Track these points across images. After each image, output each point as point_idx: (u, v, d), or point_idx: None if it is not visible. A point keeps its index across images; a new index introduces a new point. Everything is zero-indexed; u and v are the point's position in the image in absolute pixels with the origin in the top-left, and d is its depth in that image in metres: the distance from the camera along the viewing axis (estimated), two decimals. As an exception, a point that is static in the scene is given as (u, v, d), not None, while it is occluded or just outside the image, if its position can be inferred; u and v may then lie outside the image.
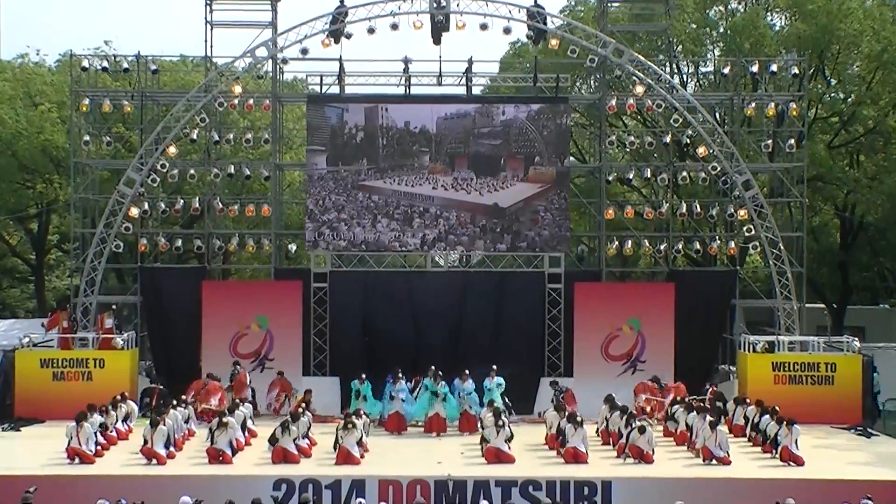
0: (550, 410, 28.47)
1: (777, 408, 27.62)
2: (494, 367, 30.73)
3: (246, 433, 27.64)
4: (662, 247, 36.41)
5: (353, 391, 30.77)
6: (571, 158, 38.82)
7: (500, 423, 26.01)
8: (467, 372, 30.62)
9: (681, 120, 35.02)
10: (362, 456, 25.72)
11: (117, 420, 28.26)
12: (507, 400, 30.66)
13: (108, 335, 32.93)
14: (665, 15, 38.86)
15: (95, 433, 25.96)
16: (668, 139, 36.35)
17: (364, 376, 30.95)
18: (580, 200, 39.46)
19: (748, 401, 29.94)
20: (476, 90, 39.43)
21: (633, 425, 26.03)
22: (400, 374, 30.61)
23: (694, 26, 43.17)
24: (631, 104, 36.48)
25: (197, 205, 36.77)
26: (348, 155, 35.76)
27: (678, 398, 30.24)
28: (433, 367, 30.52)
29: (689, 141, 36.86)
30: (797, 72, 36.43)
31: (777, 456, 26.01)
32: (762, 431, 27.51)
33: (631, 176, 37.85)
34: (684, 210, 36.02)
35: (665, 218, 36.90)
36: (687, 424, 27.69)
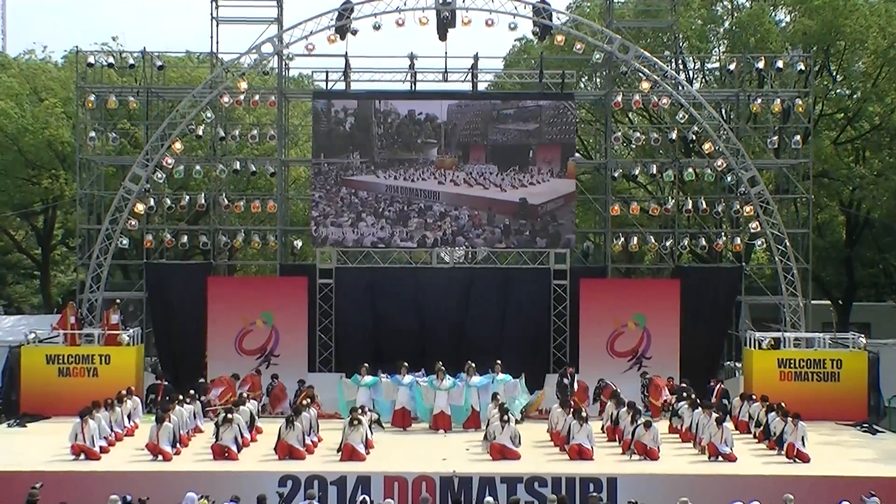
0: (556, 407, 28.43)
1: (783, 404, 27.61)
2: (499, 361, 30.67)
3: (252, 430, 27.67)
4: (668, 243, 36.40)
5: (341, 386, 30.56)
6: (577, 155, 38.79)
7: (506, 418, 26.03)
8: (473, 366, 30.52)
9: (686, 116, 34.97)
10: (367, 452, 25.71)
11: (122, 416, 28.25)
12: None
13: (114, 331, 32.96)
14: (671, 11, 38.89)
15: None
16: (673, 135, 36.31)
17: (367, 365, 30.80)
18: (586, 197, 39.42)
19: (754, 397, 29.92)
20: (481, 86, 39.40)
21: (639, 421, 26.03)
22: (405, 367, 30.53)
23: (700, 22, 43.18)
24: (637, 100, 36.42)
25: (202, 201, 36.82)
26: (334, 146, 34.51)
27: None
28: (439, 363, 30.47)
29: (694, 137, 36.85)
30: (803, 68, 36.34)
31: (783, 453, 25.96)
32: (767, 428, 27.47)
33: (636, 172, 37.78)
34: (690, 206, 36.01)
35: (671, 214, 36.90)
36: (692, 421, 27.65)
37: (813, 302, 37.35)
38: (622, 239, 36.36)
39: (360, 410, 26.90)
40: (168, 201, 36.39)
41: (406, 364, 30.56)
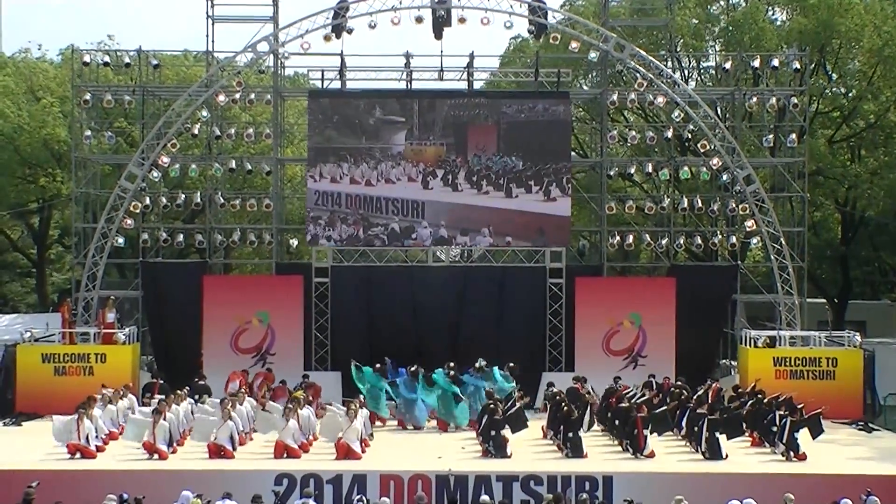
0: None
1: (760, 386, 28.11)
2: (485, 365, 30.53)
3: (248, 428, 27.64)
4: (664, 242, 36.41)
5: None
6: (573, 153, 38.77)
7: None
8: (454, 366, 30.42)
9: (682, 115, 35.01)
10: (363, 450, 25.70)
11: (118, 413, 28.18)
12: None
13: (110, 330, 32.94)
14: (666, 10, 38.90)
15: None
16: (669, 134, 36.34)
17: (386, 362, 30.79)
18: (581, 195, 39.43)
19: (739, 390, 30.16)
20: (477, 85, 39.35)
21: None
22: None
23: (695, 21, 43.20)
24: (632, 99, 36.42)
25: (198, 200, 36.79)
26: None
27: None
28: (418, 367, 30.49)
29: (690, 136, 36.91)
30: (798, 66, 36.38)
31: (777, 451, 26.00)
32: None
33: (632, 171, 37.81)
34: (685, 205, 36.03)
35: (666, 213, 36.89)
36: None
37: (808, 300, 37.38)
38: (618, 237, 36.34)
39: (355, 406, 26.75)
40: (164, 200, 36.31)
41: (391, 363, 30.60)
